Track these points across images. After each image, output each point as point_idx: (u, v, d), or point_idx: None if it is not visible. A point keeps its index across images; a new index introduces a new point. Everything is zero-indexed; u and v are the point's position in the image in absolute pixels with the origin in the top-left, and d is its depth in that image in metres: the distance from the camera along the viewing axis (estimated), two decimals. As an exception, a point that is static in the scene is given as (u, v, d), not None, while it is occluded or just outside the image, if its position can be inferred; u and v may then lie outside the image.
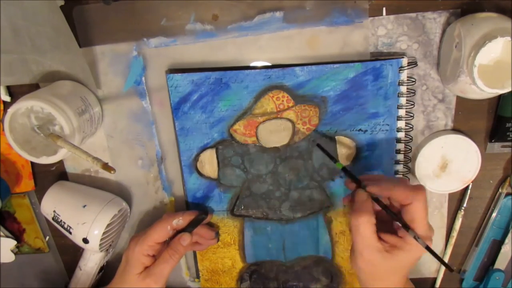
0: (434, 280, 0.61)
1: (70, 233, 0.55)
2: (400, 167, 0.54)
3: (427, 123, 0.53)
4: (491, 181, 0.56)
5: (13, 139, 0.48)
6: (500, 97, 0.51)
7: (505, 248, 0.57)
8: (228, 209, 0.57)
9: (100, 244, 0.54)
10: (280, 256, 0.59)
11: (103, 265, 0.61)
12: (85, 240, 0.54)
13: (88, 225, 0.53)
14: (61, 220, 0.55)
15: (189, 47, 0.52)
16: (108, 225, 0.54)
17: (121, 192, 0.59)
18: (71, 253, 0.64)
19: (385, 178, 0.50)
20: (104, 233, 0.54)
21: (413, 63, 0.50)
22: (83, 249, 0.59)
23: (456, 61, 0.45)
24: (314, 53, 0.51)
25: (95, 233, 0.54)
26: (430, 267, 0.60)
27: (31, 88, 0.54)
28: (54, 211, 0.56)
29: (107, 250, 0.58)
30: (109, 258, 0.62)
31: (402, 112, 0.51)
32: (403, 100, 0.51)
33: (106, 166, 0.44)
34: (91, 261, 0.59)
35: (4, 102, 0.56)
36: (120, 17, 0.52)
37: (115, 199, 0.57)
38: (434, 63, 0.51)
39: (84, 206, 0.55)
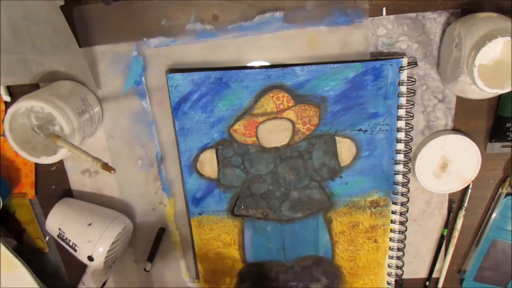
0: (437, 280, 0.61)
1: (75, 250, 0.56)
2: (400, 167, 0.54)
3: (427, 123, 0.53)
4: (491, 181, 0.55)
5: (13, 139, 0.48)
6: (500, 97, 0.51)
7: (505, 248, 0.57)
8: (228, 209, 0.57)
9: (104, 262, 0.55)
10: (280, 256, 0.59)
11: (106, 280, 0.61)
12: (90, 258, 0.54)
13: (94, 243, 0.54)
14: (66, 238, 0.56)
15: (189, 47, 0.52)
16: (113, 243, 0.55)
17: (121, 193, 0.59)
18: (71, 253, 0.63)
19: None
20: (109, 250, 0.54)
21: (413, 63, 0.50)
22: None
23: (456, 61, 0.45)
24: (314, 53, 0.51)
25: (100, 251, 0.54)
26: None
27: (31, 88, 0.54)
28: (60, 229, 0.56)
29: (110, 266, 0.59)
30: (111, 274, 0.62)
31: (402, 112, 0.51)
32: (403, 100, 0.51)
33: (106, 166, 0.44)
34: (94, 277, 0.59)
35: (4, 102, 0.56)
36: (120, 17, 0.52)
37: (120, 217, 0.57)
38: (434, 63, 0.51)
39: (90, 224, 0.55)
